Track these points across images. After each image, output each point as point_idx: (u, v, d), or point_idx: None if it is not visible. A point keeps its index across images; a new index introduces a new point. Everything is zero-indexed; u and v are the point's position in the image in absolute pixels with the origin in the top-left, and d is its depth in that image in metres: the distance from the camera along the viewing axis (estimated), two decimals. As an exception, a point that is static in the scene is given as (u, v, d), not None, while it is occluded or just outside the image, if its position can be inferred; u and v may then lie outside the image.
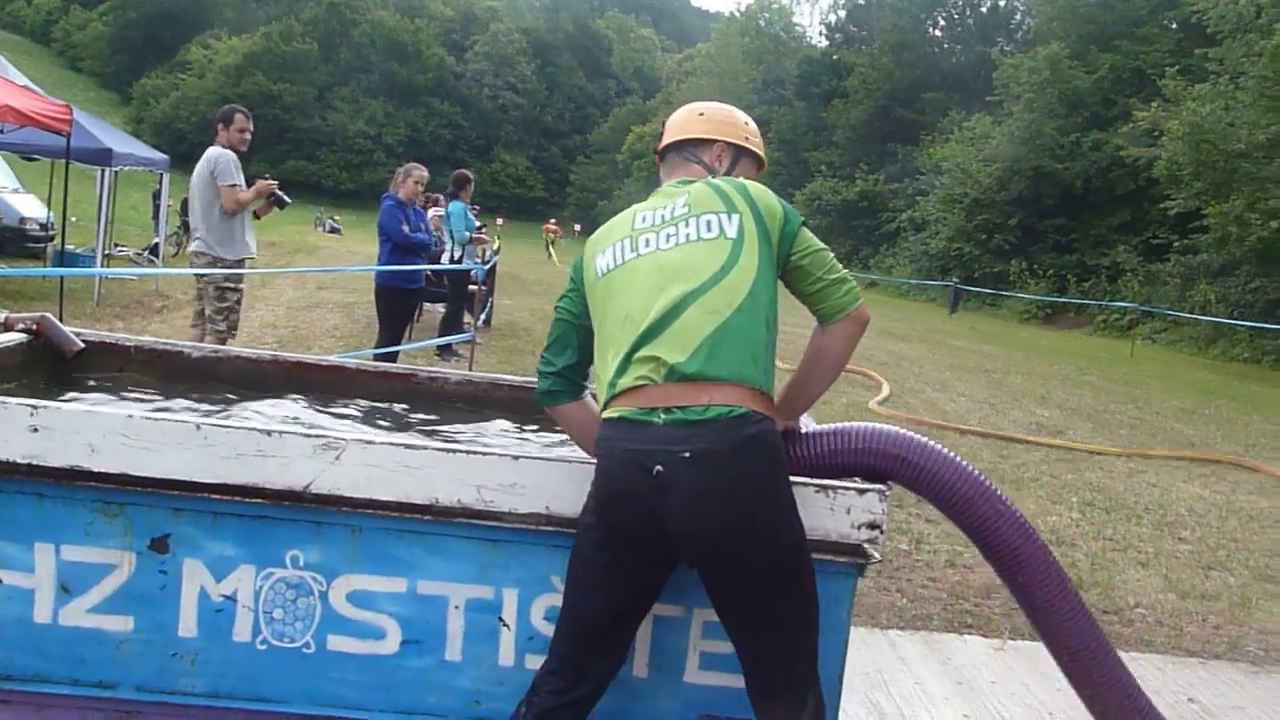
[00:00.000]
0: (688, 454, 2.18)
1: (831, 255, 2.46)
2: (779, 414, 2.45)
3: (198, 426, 2.35)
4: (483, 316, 12.42)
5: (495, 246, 17.33)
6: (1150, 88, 30.75)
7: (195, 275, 7.29)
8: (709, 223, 2.40)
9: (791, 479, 2.35)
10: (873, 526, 2.45)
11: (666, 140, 2.75)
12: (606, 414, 2.33)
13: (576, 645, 2.35)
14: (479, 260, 11.75)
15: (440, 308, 12.16)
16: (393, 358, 8.47)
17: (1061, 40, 37.70)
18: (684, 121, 2.75)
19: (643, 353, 2.28)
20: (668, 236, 2.42)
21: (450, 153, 78.27)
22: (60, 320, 3.34)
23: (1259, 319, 23.50)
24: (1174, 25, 36.16)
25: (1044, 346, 23.34)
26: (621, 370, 2.31)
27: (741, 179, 2.56)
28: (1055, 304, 32.73)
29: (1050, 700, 3.99)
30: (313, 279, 17.75)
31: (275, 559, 2.42)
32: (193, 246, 7.26)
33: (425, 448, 2.42)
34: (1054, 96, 36.81)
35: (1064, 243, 36.70)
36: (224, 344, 6.72)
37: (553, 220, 60.58)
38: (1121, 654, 2.63)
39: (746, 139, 2.73)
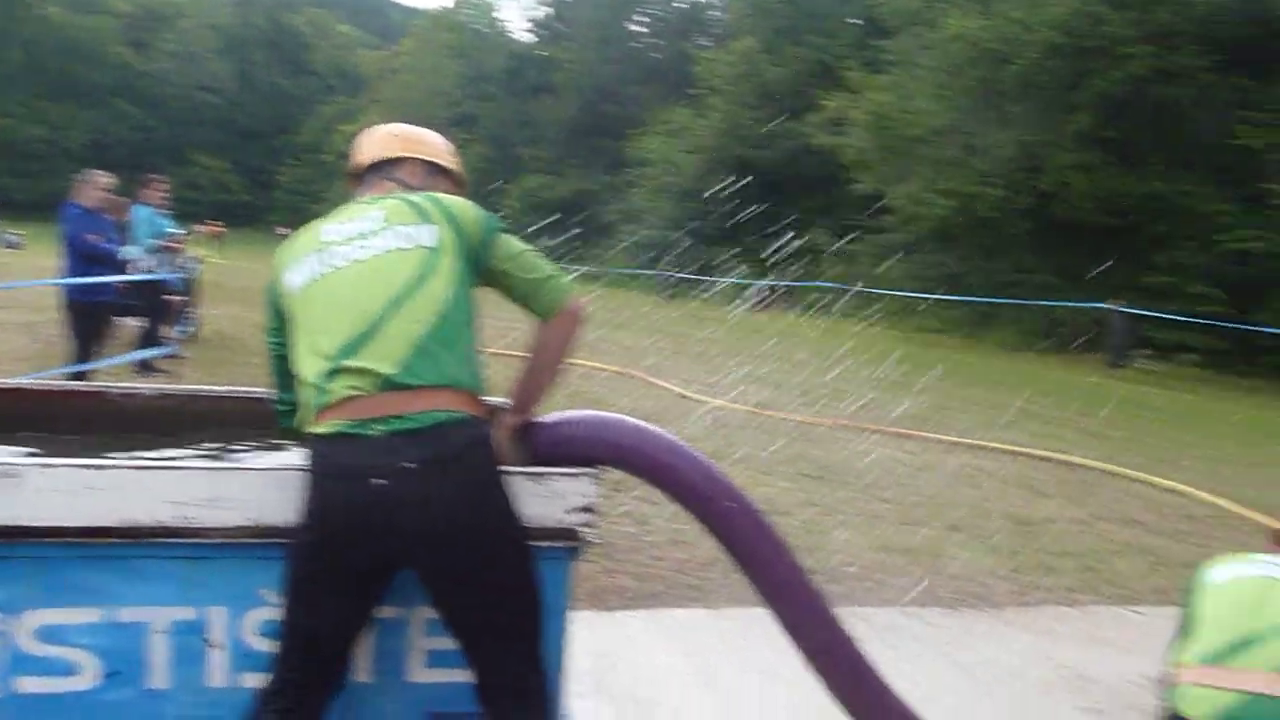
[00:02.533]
0: (411, 464, 2.15)
1: (536, 255, 2.47)
2: (512, 410, 2.49)
3: None
4: (185, 328, 11.75)
5: (198, 254, 16.42)
6: (836, 79, 32.64)
7: None
8: (405, 234, 2.37)
9: (504, 469, 2.34)
10: (586, 510, 2.48)
11: (359, 162, 2.70)
12: (317, 428, 2.25)
13: (299, 662, 2.27)
14: (177, 269, 11.09)
15: (136, 322, 11.41)
16: (86, 377, 7.91)
17: (754, 35, 39.51)
18: (377, 141, 2.71)
19: (348, 364, 2.23)
20: (362, 249, 2.37)
21: (140, 157, 73.46)
22: None
23: (944, 292, 25.50)
24: (857, 20, 38.58)
25: (755, 328, 24.37)
26: (328, 380, 2.24)
27: (436, 193, 2.54)
28: (763, 287, 34.24)
29: (774, 659, 4.17)
30: (-11, 299, 16.25)
31: (-53, 601, 2.21)
32: None
33: (112, 466, 2.26)
34: (749, 89, 38.55)
35: (768, 228, 38.49)
36: None
37: (218, 222, 59.28)
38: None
39: (439, 156, 2.72)
